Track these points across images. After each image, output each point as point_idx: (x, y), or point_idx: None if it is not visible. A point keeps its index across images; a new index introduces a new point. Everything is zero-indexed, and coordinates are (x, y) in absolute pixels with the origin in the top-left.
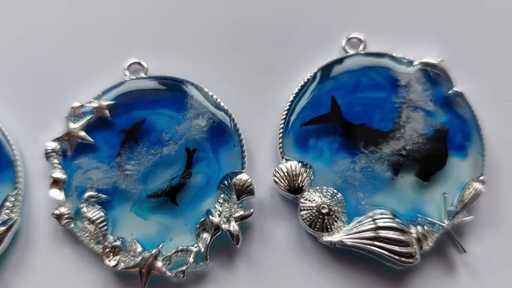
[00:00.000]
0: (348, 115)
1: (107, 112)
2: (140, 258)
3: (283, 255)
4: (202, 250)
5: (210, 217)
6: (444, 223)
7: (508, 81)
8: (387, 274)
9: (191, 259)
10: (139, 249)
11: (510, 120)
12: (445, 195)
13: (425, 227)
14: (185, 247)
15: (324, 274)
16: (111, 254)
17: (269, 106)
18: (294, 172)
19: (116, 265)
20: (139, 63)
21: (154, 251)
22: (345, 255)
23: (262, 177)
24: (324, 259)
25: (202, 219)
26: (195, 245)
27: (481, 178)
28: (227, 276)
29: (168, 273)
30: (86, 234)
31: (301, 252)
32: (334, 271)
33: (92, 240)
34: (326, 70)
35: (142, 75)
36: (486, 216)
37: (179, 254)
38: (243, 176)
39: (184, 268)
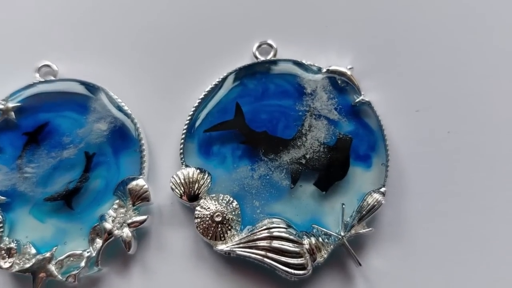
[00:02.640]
0: (253, 122)
1: (12, 115)
2: (33, 261)
3: (179, 262)
4: (94, 255)
5: (103, 222)
6: (341, 234)
7: (420, 92)
8: (282, 285)
9: (83, 264)
10: (33, 252)
11: (420, 131)
12: (343, 206)
13: (320, 238)
14: (78, 251)
15: (218, 283)
16: (6, 256)
17: (176, 112)
18: (191, 179)
19: (10, 267)
20: (49, 66)
21: (47, 254)
22: (240, 265)
23: (163, 184)
24: (219, 268)
25: (95, 225)
26: (88, 250)
27: (382, 189)
28: (121, 283)
29: (60, 277)
30: None
31: (197, 260)
32: (229, 280)
33: None
34: (234, 76)
35: (52, 78)
36: (388, 229)
37: (71, 259)
38: (139, 182)
39: (75, 272)
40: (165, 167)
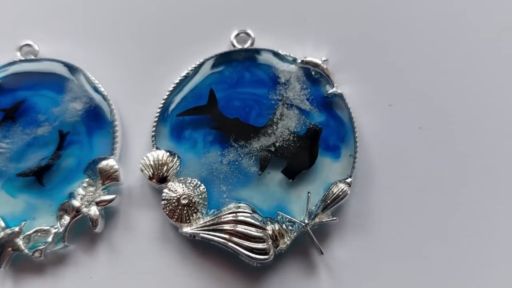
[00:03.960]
0: (226, 109)
1: None
2: (1, 234)
3: (145, 243)
4: (61, 231)
5: (72, 200)
6: (305, 222)
7: (394, 87)
8: (245, 270)
9: (49, 239)
10: (2, 225)
11: (391, 125)
12: (309, 194)
13: (284, 225)
14: (45, 227)
15: (182, 265)
16: None
17: (152, 96)
18: (160, 161)
19: None
20: (30, 45)
21: (16, 229)
22: (205, 248)
23: (135, 165)
24: (184, 250)
25: (64, 202)
26: (56, 227)
27: (348, 180)
28: (87, 260)
29: (26, 251)
30: None
31: (163, 242)
32: (193, 263)
33: None
34: (211, 63)
35: (32, 57)
36: (353, 220)
37: (38, 234)
38: (110, 162)
39: (41, 247)
40: (137, 149)
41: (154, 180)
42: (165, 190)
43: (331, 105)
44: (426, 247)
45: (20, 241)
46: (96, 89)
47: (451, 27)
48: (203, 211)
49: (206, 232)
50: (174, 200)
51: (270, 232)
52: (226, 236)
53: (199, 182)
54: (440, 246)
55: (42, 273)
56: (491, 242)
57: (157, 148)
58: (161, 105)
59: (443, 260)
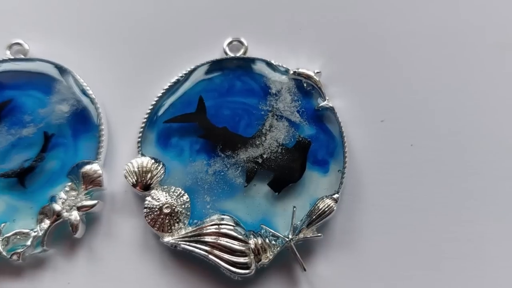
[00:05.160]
0: (215, 118)
1: None
2: None
3: (126, 251)
4: (41, 235)
5: (53, 204)
6: (288, 237)
7: (387, 103)
8: (225, 283)
9: (28, 243)
10: None
11: (382, 142)
12: (294, 209)
13: (267, 239)
14: (25, 230)
15: (162, 275)
16: None
17: (141, 101)
18: (144, 169)
19: None
20: (20, 44)
21: None
22: (186, 258)
23: (119, 171)
24: (165, 260)
25: (45, 205)
26: (35, 230)
27: (335, 196)
28: (65, 265)
29: (4, 254)
30: None
31: (144, 250)
32: (173, 273)
33: None
34: (202, 70)
35: (22, 56)
36: (339, 237)
37: (18, 237)
38: (94, 167)
39: (20, 250)
40: (123, 155)
41: (137, 188)
42: (148, 198)
43: (321, 118)
44: (412, 267)
45: None
46: (84, 92)
47: (446, 44)
48: (185, 221)
49: (188, 243)
50: (157, 209)
51: (252, 246)
52: (208, 248)
53: (182, 192)
54: (426, 268)
55: (20, 276)
56: (479, 264)
57: (142, 155)
58: (149, 110)
59: (428, 280)
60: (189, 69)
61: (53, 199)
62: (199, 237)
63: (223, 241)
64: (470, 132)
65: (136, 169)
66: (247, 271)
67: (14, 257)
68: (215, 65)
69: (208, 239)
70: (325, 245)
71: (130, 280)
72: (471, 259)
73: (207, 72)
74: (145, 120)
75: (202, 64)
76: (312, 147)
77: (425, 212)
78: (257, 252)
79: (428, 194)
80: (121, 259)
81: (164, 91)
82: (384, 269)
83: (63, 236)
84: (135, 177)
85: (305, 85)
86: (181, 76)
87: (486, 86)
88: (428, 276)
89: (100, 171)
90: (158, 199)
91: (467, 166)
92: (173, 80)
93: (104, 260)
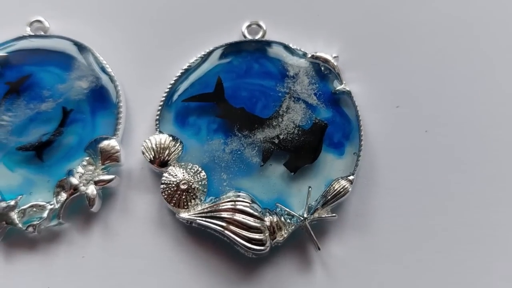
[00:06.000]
0: (232, 98)
1: None
2: None
3: (141, 227)
4: (57, 208)
5: (70, 177)
6: (303, 216)
7: (403, 89)
8: (239, 261)
9: (44, 215)
10: None
11: (398, 127)
12: (310, 189)
13: (282, 217)
14: (41, 202)
15: (176, 251)
16: None
17: (159, 80)
18: (162, 145)
19: None
20: (40, 22)
21: (11, 202)
22: (201, 235)
23: (136, 148)
24: (179, 237)
25: (62, 179)
26: (52, 203)
27: (350, 177)
28: (81, 239)
29: (20, 226)
30: None
31: (159, 227)
32: (187, 249)
33: None
34: (221, 51)
35: (42, 33)
36: (353, 219)
37: (34, 209)
38: (112, 142)
39: (36, 223)
40: (140, 132)
41: (155, 164)
42: (165, 174)
43: (338, 102)
44: (424, 250)
45: (15, 215)
46: (103, 69)
47: (464, 33)
48: (201, 197)
49: (203, 219)
50: (173, 185)
51: (268, 223)
52: (224, 224)
53: (200, 169)
54: (438, 251)
55: (34, 249)
56: (491, 248)
57: (160, 132)
58: (168, 90)
59: (440, 265)
60: (207, 50)
61: (70, 173)
62: (215, 213)
63: (239, 217)
64: (484, 118)
65: (154, 146)
66: (262, 247)
67: (30, 229)
68: (234, 47)
69: (224, 215)
70: (339, 226)
71: (145, 255)
72: (484, 244)
73: (225, 54)
74: (164, 98)
75: (221, 46)
76: (328, 129)
77: (438, 197)
78: (272, 230)
79: (441, 180)
80: (136, 234)
81: (182, 71)
82: (396, 252)
83: (79, 210)
84: (153, 154)
85: (322, 68)
86: (200, 57)
87: (502, 74)
88: (440, 260)
89: (118, 147)
90: (176, 175)
91: (480, 152)
92: (192, 60)
93: (119, 235)
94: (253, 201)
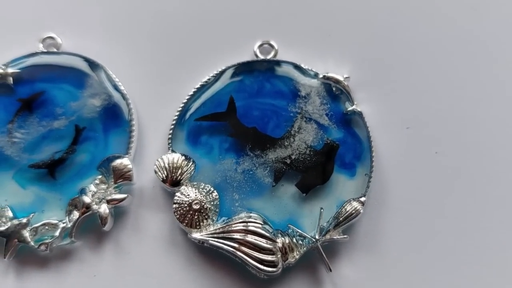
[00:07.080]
0: (244, 118)
1: (10, 80)
2: (9, 224)
3: (152, 245)
4: (69, 226)
5: (83, 196)
6: (315, 238)
7: (413, 110)
8: (251, 281)
9: (57, 234)
10: (10, 215)
11: (408, 148)
12: (322, 210)
13: (294, 239)
14: (54, 221)
15: (188, 271)
16: None
17: (171, 99)
18: (175, 165)
19: None
20: (53, 38)
21: (23, 220)
22: (212, 256)
23: (149, 166)
24: (191, 257)
25: (75, 197)
26: (64, 221)
27: (362, 199)
28: (92, 258)
29: (32, 244)
30: None
31: (171, 246)
32: (199, 269)
33: None
34: (232, 71)
35: (54, 50)
36: (364, 240)
37: (46, 227)
38: (124, 161)
39: (48, 241)
40: (152, 151)
41: (167, 183)
42: (178, 194)
43: (349, 122)
44: (435, 272)
45: (26, 233)
46: (116, 87)
47: (475, 54)
48: (214, 218)
49: (216, 240)
50: (186, 205)
51: (280, 245)
52: (236, 245)
53: (212, 188)
54: (449, 274)
55: (46, 267)
56: (505, 271)
57: (173, 151)
58: (180, 108)
59: (451, 286)
60: (220, 70)
61: (82, 191)
62: (227, 234)
63: (251, 238)
64: (494, 140)
65: (166, 165)
66: (274, 269)
67: (42, 247)
68: (245, 67)
69: (236, 236)
70: (350, 247)
71: (156, 274)
72: (496, 266)
73: (237, 73)
74: (176, 117)
75: (233, 65)
76: (339, 150)
77: (448, 218)
78: (284, 251)
79: (451, 201)
80: (147, 253)
81: (195, 90)
82: (407, 274)
83: (90, 229)
84: (165, 173)
85: (334, 89)
86: (212, 76)
87: None
88: (451, 281)
89: (130, 166)
90: (188, 195)
91: (491, 174)
92: (205, 79)
93: (130, 254)
94: (265, 222)
